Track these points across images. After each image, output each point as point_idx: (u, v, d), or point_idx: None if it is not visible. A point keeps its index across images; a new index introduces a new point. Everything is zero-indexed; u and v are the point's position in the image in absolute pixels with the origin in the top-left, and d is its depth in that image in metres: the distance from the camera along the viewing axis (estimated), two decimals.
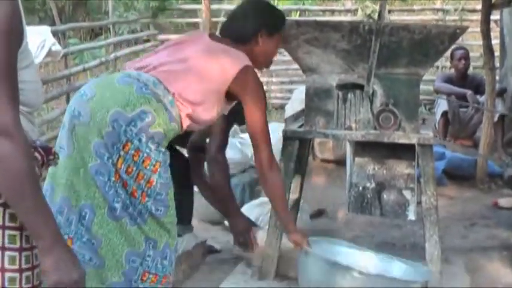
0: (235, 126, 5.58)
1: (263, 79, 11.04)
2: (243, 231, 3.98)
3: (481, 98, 7.21)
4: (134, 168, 2.61)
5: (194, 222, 4.78)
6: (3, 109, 1.55)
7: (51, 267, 1.63)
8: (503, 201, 5.81)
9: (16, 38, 1.65)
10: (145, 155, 2.62)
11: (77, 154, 2.65)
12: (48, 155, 1.79)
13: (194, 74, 2.87)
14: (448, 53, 7.17)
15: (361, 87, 3.43)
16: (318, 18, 11.04)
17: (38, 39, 7.35)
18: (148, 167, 2.62)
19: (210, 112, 2.90)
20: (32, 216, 1.62)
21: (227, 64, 2.93)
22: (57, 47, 7.85)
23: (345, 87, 3.47)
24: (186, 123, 2.82)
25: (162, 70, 2.88)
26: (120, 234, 2.64)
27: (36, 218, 1.63)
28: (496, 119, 6.98)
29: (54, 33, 8.05)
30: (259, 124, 3.04)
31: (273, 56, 3.27)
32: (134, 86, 2.71)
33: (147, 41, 12.14)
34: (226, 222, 4.84)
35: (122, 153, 2.60)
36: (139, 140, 2.61)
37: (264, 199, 4.94)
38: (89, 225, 2.63)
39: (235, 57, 2.97)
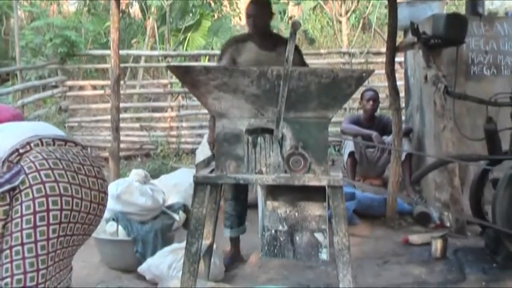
0: (147, 174, 5.52)
1: (173, 124, 11.04)
2: None
3: (388, 138, 7.38)
4: None
5: (104, 269, 4.67)
6: None
7: None
8: (413, 238, 5.92)
9: None
10: None
11: None
12: None
13: None
14: (356, 95, 7.39)
15: (270, 131, 3.44)
16: None
17: None
18: None
19: None
20: None
21: None
22: None
23: (255, 131, 3.47)
24: None
25: None
26: None
27: None
28: (403, 158, 7.15)
29: None
30: None
31: None
32: None
33: (55, 87, 11.95)
34: (138, 270, 4.76)
35: None
36: None
37: (177, 245, 4.88)
38: None
39: None
